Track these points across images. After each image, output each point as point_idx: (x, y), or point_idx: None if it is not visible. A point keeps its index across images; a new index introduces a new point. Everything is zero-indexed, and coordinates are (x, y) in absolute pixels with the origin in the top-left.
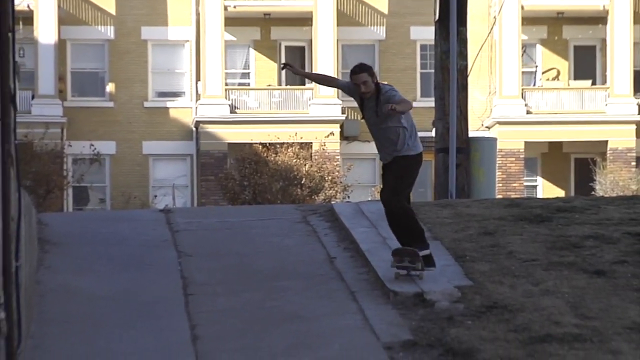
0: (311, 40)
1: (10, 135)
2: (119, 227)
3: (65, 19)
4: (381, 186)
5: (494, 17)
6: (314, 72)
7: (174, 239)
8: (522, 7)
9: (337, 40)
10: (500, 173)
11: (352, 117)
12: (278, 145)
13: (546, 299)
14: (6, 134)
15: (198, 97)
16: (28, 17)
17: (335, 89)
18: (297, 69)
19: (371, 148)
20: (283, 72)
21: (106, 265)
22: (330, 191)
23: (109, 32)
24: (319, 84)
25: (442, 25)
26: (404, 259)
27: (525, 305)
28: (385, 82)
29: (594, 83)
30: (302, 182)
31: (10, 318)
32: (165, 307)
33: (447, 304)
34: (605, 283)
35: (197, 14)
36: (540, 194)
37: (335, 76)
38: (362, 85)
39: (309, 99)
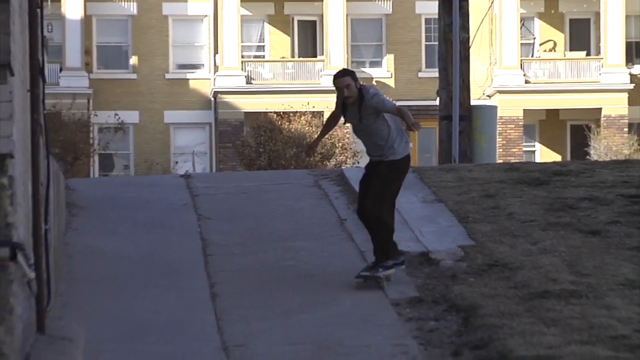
0: (322, 14)
1: (39, 105)
2: (142, 192)
3: None
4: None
5: None
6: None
7: (193, 202)
8: None
9: (347, 15)
10: (500, 139)
11: None
12: (291, 114)
13: (544, 258)
14: (35, 104)
15: (216, 69)
16: None
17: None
18: (316, 144)
19: None
20: (296, 45)
21: (130, 228)
22: (341, 157)
23: (132, 8)
24: (331, 128)
25: (445, 0)
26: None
27: (525, 263)
28: (368, 85)
29: (588, 54)
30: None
31: (40, 278)
32: (185, 267)
33: (451, 262)
34: (600, 242)
35: None
36: (538, 159)
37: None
38: (344, 88)
39: (321, 70)
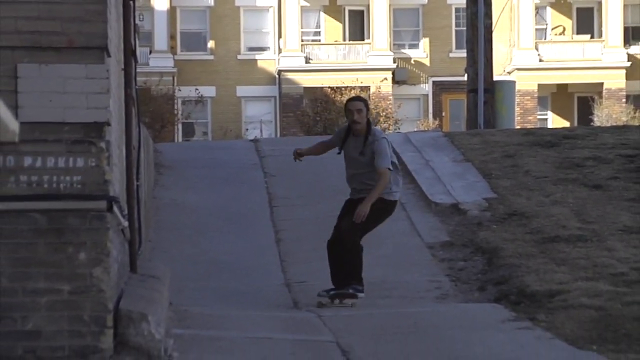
0: (369, 5)
1: (131, 81)
2: (217, 154)
3: None
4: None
5: None
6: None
7: (261, 162)
8: None
9: (390, 5)
10: (518, 109)
11: (402, 66)
12: (343, 89)
13: (555, 208)
14: (128, 81)
15: (280, 51)
16: None
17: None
18: (303, 153)
19: (417, 90)
20: (347, 30)
21: (208, 184)
22: (384, 124)
23: (210, 0)
24: (318, 153)
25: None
26: (334, 300)
27: (539, 212)
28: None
29: (592, 37)
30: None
31: (132, 226)
32: (254, 216)
33: (477, 212)
34: (602, 195)
35: None
36: (550, 125)
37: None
38: (356, 112)
39: (367, 52)
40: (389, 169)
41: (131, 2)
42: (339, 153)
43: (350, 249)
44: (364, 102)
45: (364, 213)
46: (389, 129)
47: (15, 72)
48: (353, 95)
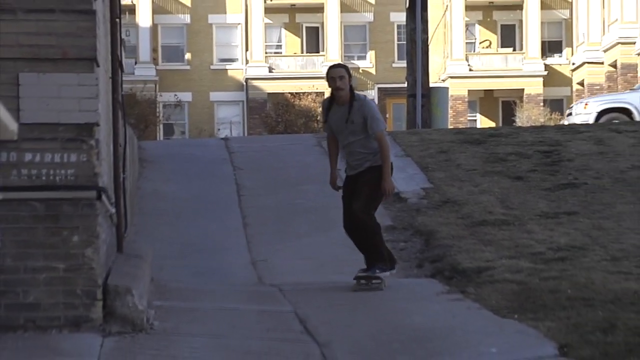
0: (323, 22)
1: (118, 88)
2: (193, 150)
3: (157, 9)
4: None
5: (447, 5)
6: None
7: (230, 157)
8: None
9: (341, 22)
10: (451, 111)
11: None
12: (301, 94)
13: (482, 196)
14: (115, 87)
15: (247, 62)
16: (132, 9)
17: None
18: (335, 178)
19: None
20: (304, 44)
21: (184, 176)
22: None
23: (187, 18)
24: (337, 151)
25: (410, 11)
26: (361, 281)
27: (469, 200)
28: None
29: (514, 49)
30: (317, 118)
31: (119, 212)
32: (225, 204)
33: (416, 200)
34: (523, 185)
35: (246, 5)
36: (478, 125)
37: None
38: (338, 79)
39: (322, 62)
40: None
41: (117, 20)
42: (325, 122)
43: (367, 229)
44: (345, 68)
45: (390, 187)
46: None
47: (17, 80)
48: (311, 96)
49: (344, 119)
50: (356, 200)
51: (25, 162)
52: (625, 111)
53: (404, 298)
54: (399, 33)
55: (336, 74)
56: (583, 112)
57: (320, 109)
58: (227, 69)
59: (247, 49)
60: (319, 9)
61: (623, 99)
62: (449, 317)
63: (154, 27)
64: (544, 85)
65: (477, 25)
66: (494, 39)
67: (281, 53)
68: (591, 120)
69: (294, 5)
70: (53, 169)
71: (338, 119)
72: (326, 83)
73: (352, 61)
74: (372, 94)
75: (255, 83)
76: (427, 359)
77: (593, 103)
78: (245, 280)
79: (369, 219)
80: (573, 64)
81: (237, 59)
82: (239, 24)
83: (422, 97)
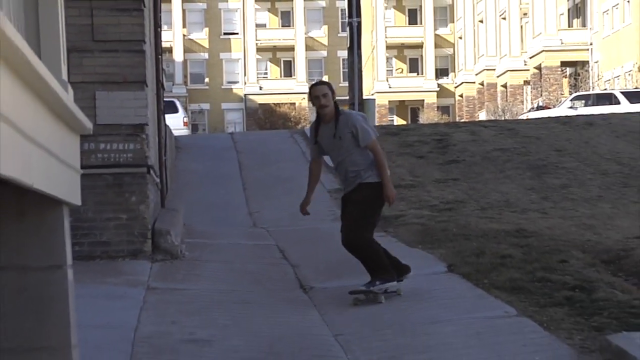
0: (294, 57)
1: (160, 101)
2: (210, 141)
3: (186, 49)
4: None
5: (374, 45)
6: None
7: (234, 146)
8: (386, 41)
9: (306, 58)
10: (378, 115)
11: None
12: (281, 104)
13: (398, 169)
14: (159, 100)
15: (245, 83)
16: (170, 49)
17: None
18: (308, 200)
19: None
20: (283, 71)
21: (204, 158)
22: (305, 123)
23: (206, 55)
24: (317, 175)
25: (350, 50)
26: (359, 295)
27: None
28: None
29: (417, 74)
30: (292, 119)
31: (162, 181)
32: (230, 176)
33: None
34: (424, 161)
35: (244, 47)
36: (395, 123)
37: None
38: (321, 97)
39: (295, 83)
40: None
41: (160, 56)
42: (315, 143)
43: (357, 249)
44: (328, 85)
45: (392, 194)
46: (306, 126)
47: (94, 96)
48: (287, 105)
49: (331, 135)
50: (345, 220)
51: (100, 149)
52: None
53: None
54: (343, 64)
55: (319, 92)
56: None
57: (310, 137)
58: (232, 88)
59: (245, 75)
60: (291, 48)
61: None
62: None
63: (184, 61)
64: (437, 97)
65: (394, 59)
66: (405, 67)
67: (267, 77)
68: None
69: (275, 46)
70: (118, 154)
71: (327, 137)
72: (300, 96)
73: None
74: None
75: (251, 97)
76: (363, 274)
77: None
78: (244, 225)
79: (356, 238)
80: (455, 83)
81: (239, 81)
82: (240, 58)
83: (358, 105)
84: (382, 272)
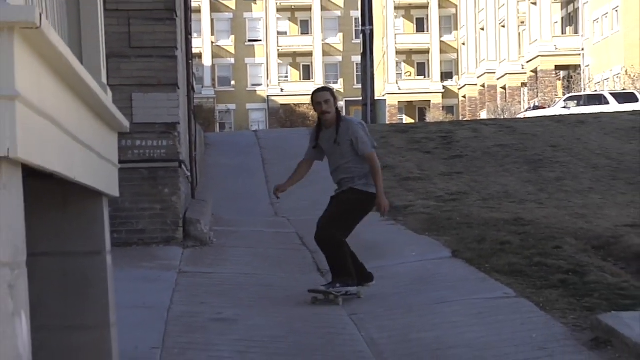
0: (312, 62)
1: (191, 102)
2: (236, 138)
3: (214, 55)
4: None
5: (384, 51)
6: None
7: (258, 142)
8: (395, 47)
9: (323, 62)
10: (388, 114)
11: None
12: (300, 104)
13: (407, 163)
14: (189, 101)
15: (268, 85)
16: (200, 55)
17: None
18: (284, 187)
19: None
20: (302, 74)
21: (231, 153)
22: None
23: (232, 60)
24: (301, 174)
25: (363, 55)
26: (318, 294)
27: (398, 165)
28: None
29: (425, 77)
30: (310, 118)
31: (192, 174)
32: (254, 170)
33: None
34: (430, 156)
35: (267, 52)
36: (404, 122)
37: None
38: (323, 103)
39: (313, 85)
40: (374, 148)
41: (190, 61)
42: (314, 147)
43: (328, 244)
44: (330, 91)
45: (385, 204)
46: None
47: (131, 97)
48: (306, 105)
49: (332, 140)
50: (324, 214)
51: (136, 145)
52: None
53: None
54: (357, 68)
55: (321, 98)
56: None
57: (309, 139)
58: (256, 90)
59: (267, 78)
60: (310, 54)
61: None
62: (387, 233)
63: (213, 66)
64: (442, 98)
65: (403, 63)
66: (413, 71)
67: (287, 80)
68: None
69: (295, 52)
70: (153, 150)
71: (327, 142)
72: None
73: (331, 84)
74: (342, 103)
75: (273, 98)
76: (374, 260)
77: None
78: (267, 214)
79: (330, 235)
80: (459, 85)
81: (262, 84)
82: (263, 63)
83: (370, 105)
84: (344, 275)
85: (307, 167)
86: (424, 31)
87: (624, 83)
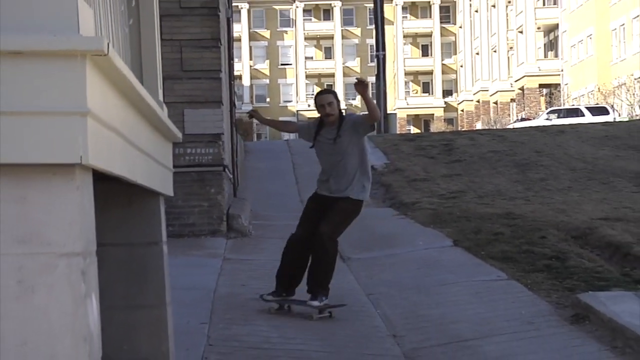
0: (334, 81)
1: (233, 116)
2: (271, 146)
3: (252, 77)
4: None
5: (395, 72)
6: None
7: (289, 149)
8: (404, 69)
9: (343, 81)
10: (399, 125)
11: (349, 109)
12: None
13: (414, 167)
14: (232, 115)
15: (297, 101)
16: (240, 76)
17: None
18: (259, 116)
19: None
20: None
21: (266, 159)
22: None
23: (267, 81)
24: (279, 129)
25: (377, 76)
26: (285, 306)
27: (407, 168)
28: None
29: (429, 94)
30: None
31: (234, 177)
32: (286, 173)
33: (380, 168)
34: (434, 161)
35: (296, 74)
36: (412, 132)
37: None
38: (327, 105)
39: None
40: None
41: (232, 82)
42: (311, 147)
43: (326, 255)
44: (333, 93)
45: (365, 83)
46: None
47: (183, 113)
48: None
49: (331, 139)
50: (328, 224)
51: (187, 153)
52: None
53: (375, 217)
54: (372, 87)
55: (325, 101)
56: None
57: (305, 128)
58: (287, 106)
59: (297, 95)
60: (332, 75)
61: None
62: (398, 226)
63: (251, 85)
64: (444, 112)
65: (410, 82)
66: (419, 89)
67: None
68: None
69: (320, 74)
70: (201, 156)
71: (325, 138)
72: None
73: (349, 101)
74: None
75: (301, 112)
76: (388, 248)
77: None
78: (297, 210)
79: (333, 246)
80: (458, 101)
81: (292, 100)
82: (293, 83)
83: (383, 118)
84: (326, 285)
85: (287, 128)
86: (428, 55)
87: (597, 98)
